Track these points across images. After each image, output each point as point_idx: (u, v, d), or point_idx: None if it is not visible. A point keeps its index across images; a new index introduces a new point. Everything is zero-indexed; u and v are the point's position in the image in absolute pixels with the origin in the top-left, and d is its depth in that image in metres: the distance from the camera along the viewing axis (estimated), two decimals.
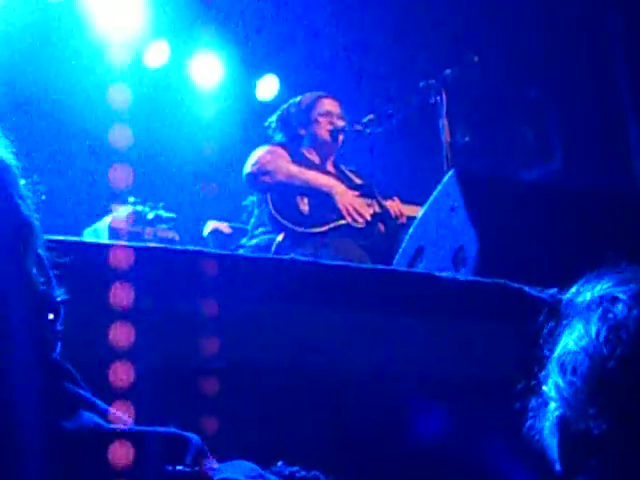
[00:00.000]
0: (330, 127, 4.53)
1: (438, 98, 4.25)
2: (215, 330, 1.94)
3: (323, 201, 4.32)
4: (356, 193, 4.45)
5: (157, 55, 5.94)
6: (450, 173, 2.98)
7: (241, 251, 4.39)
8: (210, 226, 4.93)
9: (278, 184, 4.34)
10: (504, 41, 5.74)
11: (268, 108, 5.30)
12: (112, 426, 1.02)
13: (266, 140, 4.66)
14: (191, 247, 2.26)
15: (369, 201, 4.44)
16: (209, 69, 6.13)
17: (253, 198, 4.60)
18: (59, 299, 1.09)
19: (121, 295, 1.59)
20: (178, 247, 2.44)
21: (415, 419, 2.14)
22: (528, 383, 1.28)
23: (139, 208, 4.96)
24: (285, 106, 4.72)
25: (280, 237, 4.29)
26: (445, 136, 4.17)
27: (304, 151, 4.58)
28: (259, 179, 4.38)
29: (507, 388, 1.32)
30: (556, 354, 1.24)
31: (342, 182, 4.46)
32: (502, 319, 2.31)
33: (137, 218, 4.91)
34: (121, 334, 1.52)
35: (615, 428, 1.14)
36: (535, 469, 1.34)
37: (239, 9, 5.68)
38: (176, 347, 1.97)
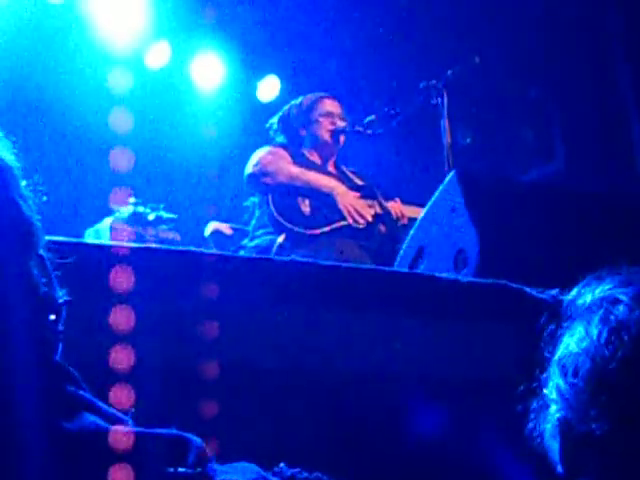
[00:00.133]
0: (331, 128, 4.52)
1: (439, 99, 4.24)
2: (215, 330, 1.94)
3: (324, 202, 4.32)
4: (357, 194, 4.44)
5: (158, 56, 5.93)
6: (451, 174, 2.97)
7: (242, 252, 4.38)
8: (211, 227, 4.92)
9: (279, 185, 4.33)
10: (505, 41, 5.74)
11: (269, 109, 5.30)
12: (113, 428, 1.02)
13: (267, 141, 4.66)
14: (192, 248, 2.26)
15: (370, 202, 4.43)
16: (210, 70, 6.13)
17: (254, 199, 4.59)
18: (61, 300, 1.09)
19: (122, 286, 1.60)
20: (179, 248, 2.44)
21: (415, 420, 2.13)
22: (529, 385, 1.28)
23: (140, 209, 4.96)
24: (286, 107, 4.72)
25: (281, 238, 4.29)
26: (446, 137, 4.17)
27: (305, 152, 4.57)
28: (260, 180, 4.37)
29: (507, 389, 1.32)
30: (557, 356, 1.24)
31: (343, 183, 4.45)
32: (503, 320, 2.31)
33: (138, 219, 4.91)
34: (121, 318, 1.54)
35: (617, 430, 1.14)
36: (536, 471, 1.34)
37: (240, 10, 5.68)
38: (176, 348, 1.97)
